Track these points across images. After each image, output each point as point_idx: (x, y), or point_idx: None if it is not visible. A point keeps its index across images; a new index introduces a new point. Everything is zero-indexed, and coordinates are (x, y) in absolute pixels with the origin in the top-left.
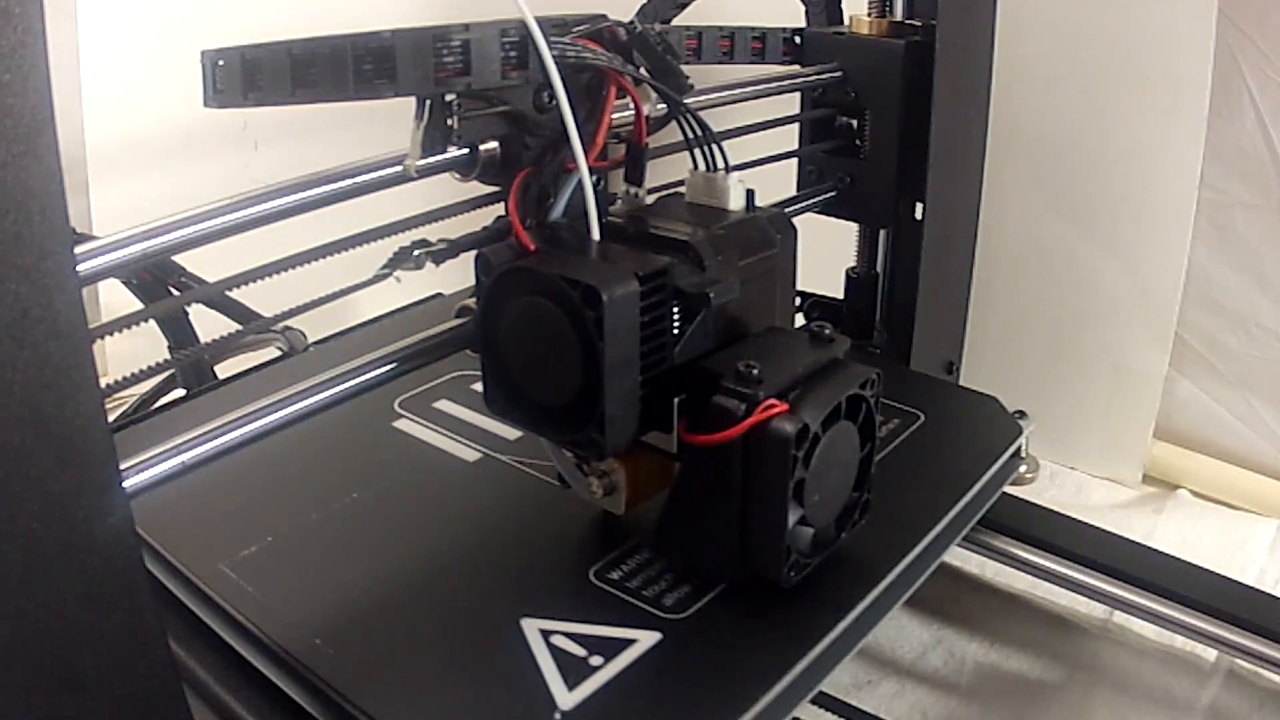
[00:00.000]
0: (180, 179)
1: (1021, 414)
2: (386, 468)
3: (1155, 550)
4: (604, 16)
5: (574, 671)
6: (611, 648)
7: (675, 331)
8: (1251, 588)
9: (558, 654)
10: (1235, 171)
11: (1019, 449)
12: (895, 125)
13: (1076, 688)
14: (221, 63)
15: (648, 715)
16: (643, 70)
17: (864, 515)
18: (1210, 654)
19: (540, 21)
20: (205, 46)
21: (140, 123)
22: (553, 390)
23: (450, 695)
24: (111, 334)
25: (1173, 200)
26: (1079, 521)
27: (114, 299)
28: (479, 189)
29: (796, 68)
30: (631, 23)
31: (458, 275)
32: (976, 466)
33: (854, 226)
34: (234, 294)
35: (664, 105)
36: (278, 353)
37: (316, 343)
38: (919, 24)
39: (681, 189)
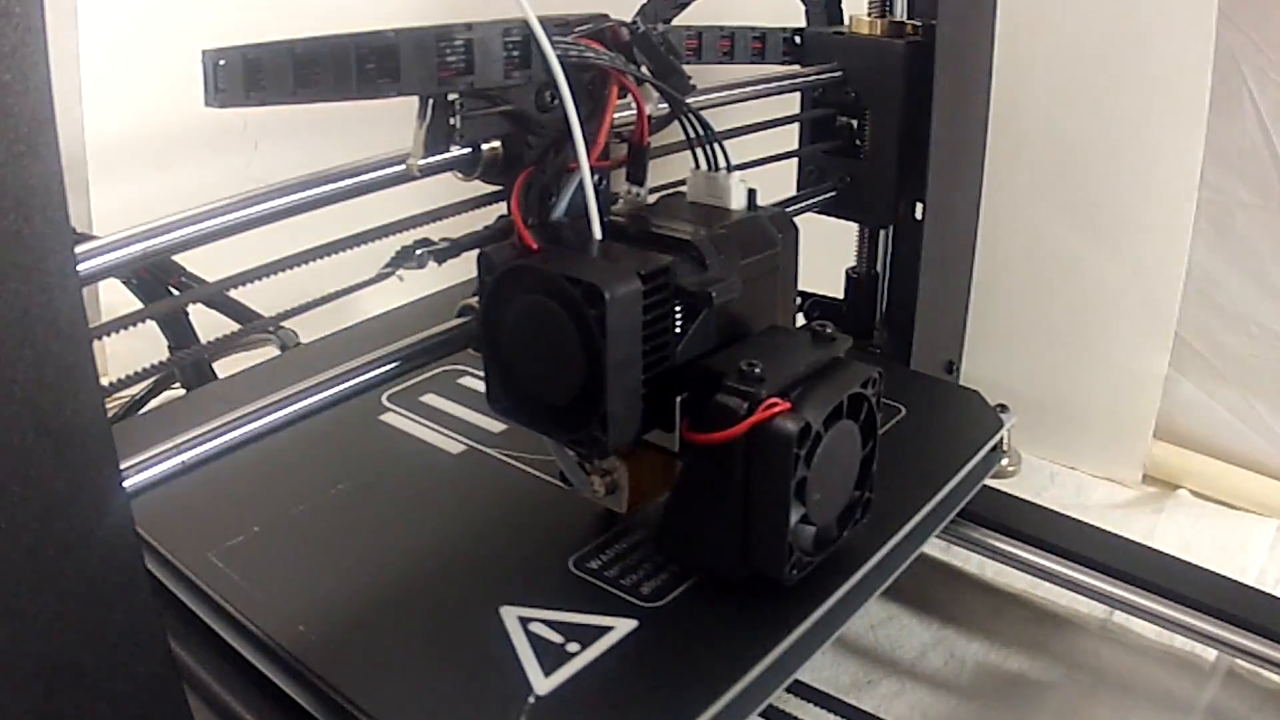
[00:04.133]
0: (180, 179)
1: (1003, 407)
2: (372, 460)
3: (1155, 550)
4: (606, 16)
5: (551, 657)
6: (588, 635)
7: (678, 330)
8: (1251, 588)
9: (535, 641)
10: (1235, 171)
11: (1000, 443)
12: (895, 125)
13: (1076, 688)
14: (223, 62)
15: (622, 700)
16: (644, 70)
17: (865, 513)
18: (1210, 654)
19: (543, 21)
20: (205, 46)
21: (140, 123)
22: (556, 389)
23: (429, 680)
24: (111, 334)
25: (1173, 200)
26: (1079, 521)
27: (114, 299)
28: (481, 188)
29: (796, 68)
30: (634, 22)
31: (462, 274)
32: (955, 459)
33: (854, 226)
34: (234, 294)
35: (666, 105)
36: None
37: (315, 341)
38: (919, 24)
39: (683, 188)
